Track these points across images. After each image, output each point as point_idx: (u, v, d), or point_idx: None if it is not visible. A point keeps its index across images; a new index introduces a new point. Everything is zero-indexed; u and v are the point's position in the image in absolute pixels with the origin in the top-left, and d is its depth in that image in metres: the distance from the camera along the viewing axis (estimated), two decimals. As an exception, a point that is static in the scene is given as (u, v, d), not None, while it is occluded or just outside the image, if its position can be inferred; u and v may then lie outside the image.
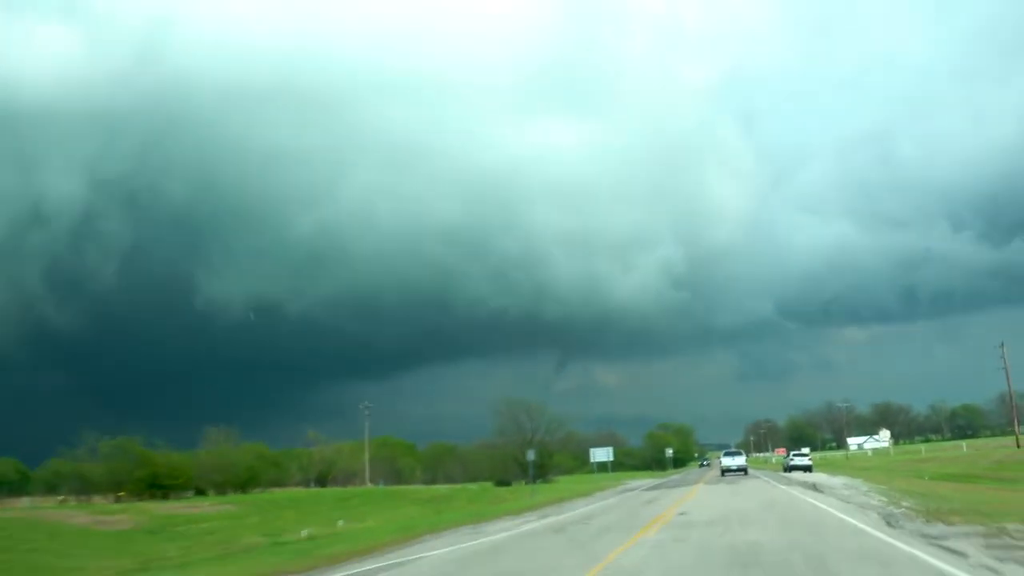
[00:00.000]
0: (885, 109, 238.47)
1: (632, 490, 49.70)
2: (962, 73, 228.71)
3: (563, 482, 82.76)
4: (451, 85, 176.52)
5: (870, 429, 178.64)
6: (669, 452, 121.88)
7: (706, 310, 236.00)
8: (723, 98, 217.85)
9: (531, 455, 52.68)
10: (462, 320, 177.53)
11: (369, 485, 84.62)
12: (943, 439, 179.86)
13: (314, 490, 76.65)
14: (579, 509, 33.44)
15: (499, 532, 24.20)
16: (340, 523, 34.73)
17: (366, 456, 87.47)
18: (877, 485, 40.68)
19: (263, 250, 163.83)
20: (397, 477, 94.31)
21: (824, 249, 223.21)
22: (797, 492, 36.35)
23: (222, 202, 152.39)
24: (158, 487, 59.66)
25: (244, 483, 67.41)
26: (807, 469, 69.02)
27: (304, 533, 35.42)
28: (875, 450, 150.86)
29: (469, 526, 28.42)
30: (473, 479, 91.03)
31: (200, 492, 64.31)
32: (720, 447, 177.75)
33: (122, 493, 54.33)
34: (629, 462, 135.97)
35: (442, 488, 74.86)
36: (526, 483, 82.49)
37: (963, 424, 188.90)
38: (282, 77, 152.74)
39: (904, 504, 25.24)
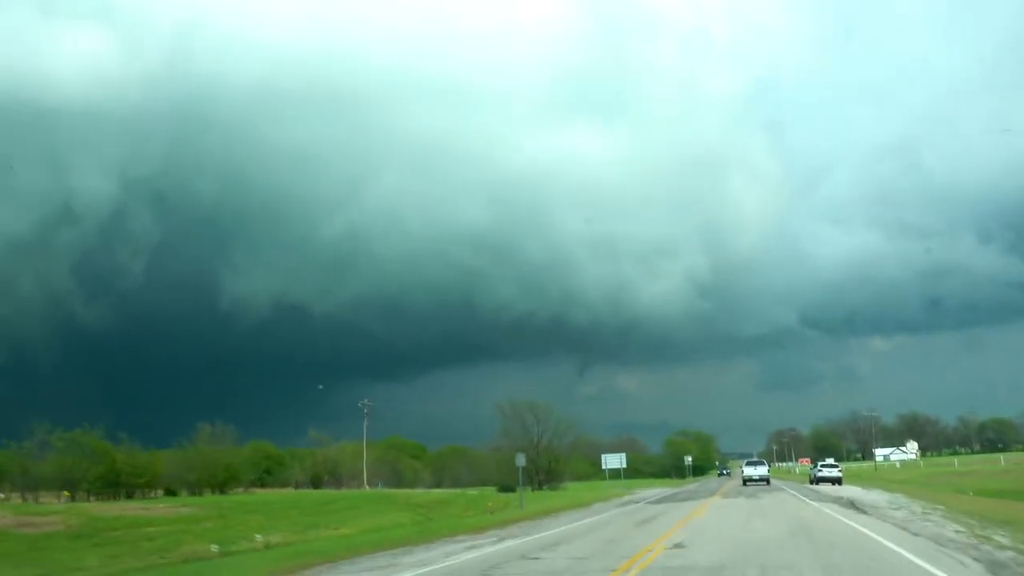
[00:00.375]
0: (912, 119, 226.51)
1: (636, 502, 41.12)
2: (991, 83, 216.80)
3: (572, 489, 74.31)
4: (479, 89, 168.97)
5: (896, 440, 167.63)
6: (688, 460, 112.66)
7: (729, 318, 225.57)
8: (749, 107, 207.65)
9: (521, 460, 44.17)
10: (486, 323, 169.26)
11: (367, 488, 76.69)
12: (972, 452, 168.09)
13: (303, 492, 68.90)
14: (555, 529, 25.16)
15: (415, 567, 16.09)
16: (258, 538, 26.76)
17: (364, 457, 79.57)
18: (929, 504, 31.92)
19: (290, 250, 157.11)
20: (398, 480, 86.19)
21: (849, 259, 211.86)
22: (834, 512, 27.79)
23: (249, 202, 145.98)
24: (119, 486, 52.21)
25: (222, 483, 59.70)
26: (836, 481, 60.04)
27: (214, 548, 27.46)
28: (903, 462, 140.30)
29: (397, 550, 20.33)
30: (482, 483, 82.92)
31: (170, 492, 56.81)
32: (742, 456, 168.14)
33: (67, 492, 46.78)
34: (647, 469, 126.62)
35: (440, 493, 66.64)
36: (532, 489, 74.31)
37: (993, 437, 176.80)
38: (311, 79, 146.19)
39: (1000, 540, 16.69)
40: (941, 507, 30.51)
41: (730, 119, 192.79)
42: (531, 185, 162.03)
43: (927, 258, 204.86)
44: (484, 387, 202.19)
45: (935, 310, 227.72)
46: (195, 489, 58.26)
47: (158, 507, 47.20)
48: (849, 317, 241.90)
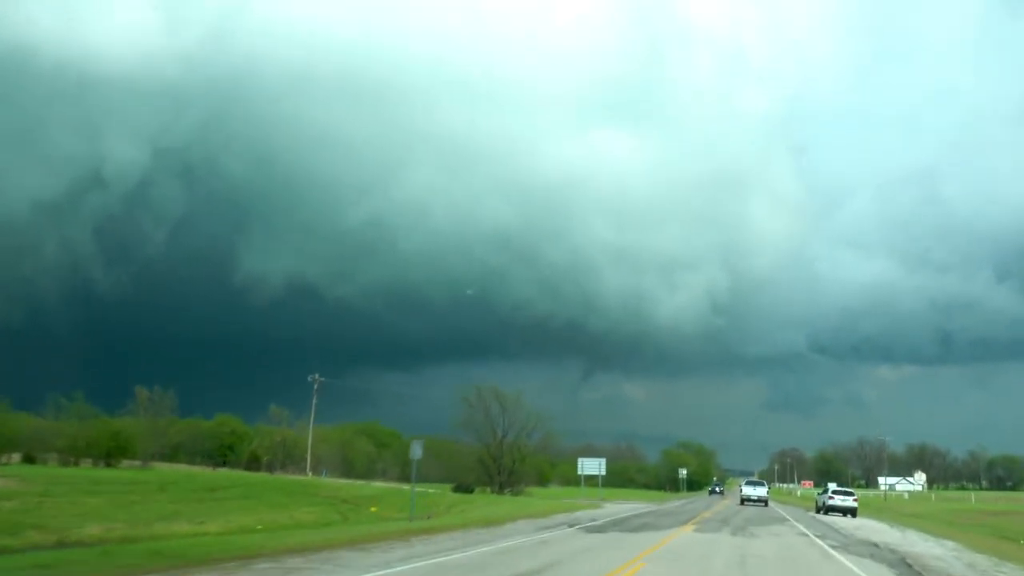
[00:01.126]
0: (937, 148, 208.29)
1: (571, 525, 26.10)
2: (1019, 117, 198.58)
3: (533, 496, 59.42)
4: (514, 90, 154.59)
5: (903, 470, 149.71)
6: (683, 473, 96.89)
7: (740, 337, 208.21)
8: (778, 127, 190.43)
9: (416, 451, 29.22)
10: (498, 322, 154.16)
11: (309, 474, 62.56)
12: (980, 488, 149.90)
13: (221, 472, 55.09)
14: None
15: None
16: None
17: (309, 440, 65.47)
18: (1011, 564, 16.83)
19: (309, 232, 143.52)
20: (348, 468, 71.80)
21: (863, 286, 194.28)
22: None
23: (274, 183, 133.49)
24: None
25: (108, 454, 45.86)
26: (851, 513, 44.89)
27: None
28: (911, 493, 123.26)
29: None
30: (453, 479, 68.55)
31: (29, 460, 43.12)
32: (743, 474, 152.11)
33: None
34: (640, 479, 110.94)
35: (380, 487, 52.11)
36: (491, 491, 59.83)
37: (1002, 475, 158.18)
38: (347, 67, 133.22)
39: None
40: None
41: (758, 138, 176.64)
42: (558, 189, 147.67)
43: (942, 290, 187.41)
44: (490, 383, 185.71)
45: (947, 343, 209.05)
46: (69, 459, 44.45)
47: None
48: (859, 344, 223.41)
